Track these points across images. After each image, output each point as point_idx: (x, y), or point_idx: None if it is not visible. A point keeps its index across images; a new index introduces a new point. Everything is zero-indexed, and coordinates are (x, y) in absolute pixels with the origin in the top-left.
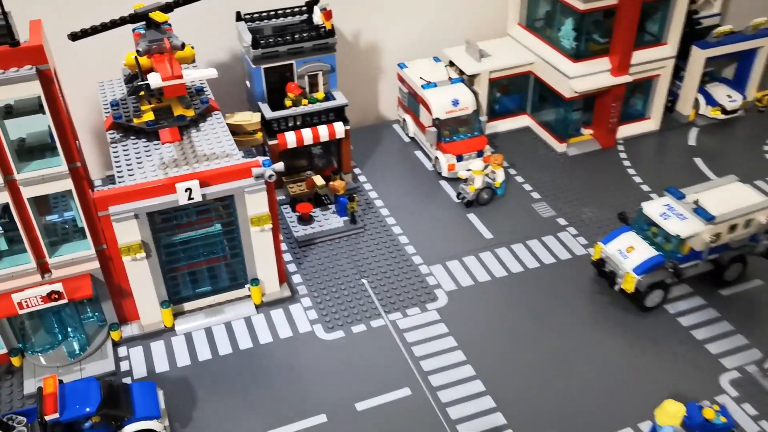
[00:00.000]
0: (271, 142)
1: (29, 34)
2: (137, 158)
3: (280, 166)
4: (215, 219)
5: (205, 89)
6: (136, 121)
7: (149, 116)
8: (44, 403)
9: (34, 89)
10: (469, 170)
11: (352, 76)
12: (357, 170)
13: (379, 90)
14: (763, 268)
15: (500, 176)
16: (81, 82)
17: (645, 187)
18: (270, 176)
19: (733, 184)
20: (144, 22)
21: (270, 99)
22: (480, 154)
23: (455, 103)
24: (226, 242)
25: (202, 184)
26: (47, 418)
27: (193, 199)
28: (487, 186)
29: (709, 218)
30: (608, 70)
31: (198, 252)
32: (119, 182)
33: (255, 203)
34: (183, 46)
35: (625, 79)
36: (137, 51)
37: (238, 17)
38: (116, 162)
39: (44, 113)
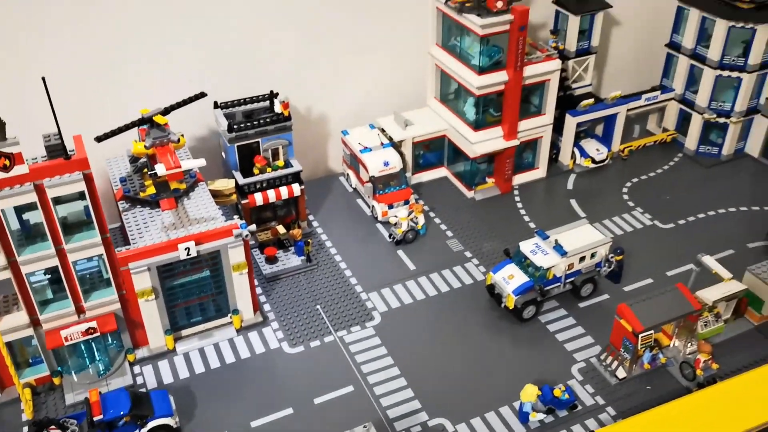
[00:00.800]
0: (243, 201)
1: (75, 146)
2: (144, 223)
3: (252, 227)
4: (205, 267)
5: None
6: (142, 194)
7: (151, 190)
8: (92, 408)
9: (80, 188)
10: (396, 216)
11: (307, 138)
12: (311, 217)
13: (328, 149)
14: (608, 286)
15: (421, 220)
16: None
17: (532, 225)
18: (246, 235)
19: (584, 226)
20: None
21: (241, 168)
22: (406, 202)
23: (386, 163)
24: (212, 284)
25: (197, 243)
26: (95, 418)
27: (190, 254)
28: (412, 228)
29: (563, 253)
30: (501, 136)
31: (192, 292)
32: (133, 243)
33: (235, 254)
34: (179, 140)
35: (515, 142)
36: (145, 145)
37: (215, 105)
38: (128, 227)
39: (84, 200)
